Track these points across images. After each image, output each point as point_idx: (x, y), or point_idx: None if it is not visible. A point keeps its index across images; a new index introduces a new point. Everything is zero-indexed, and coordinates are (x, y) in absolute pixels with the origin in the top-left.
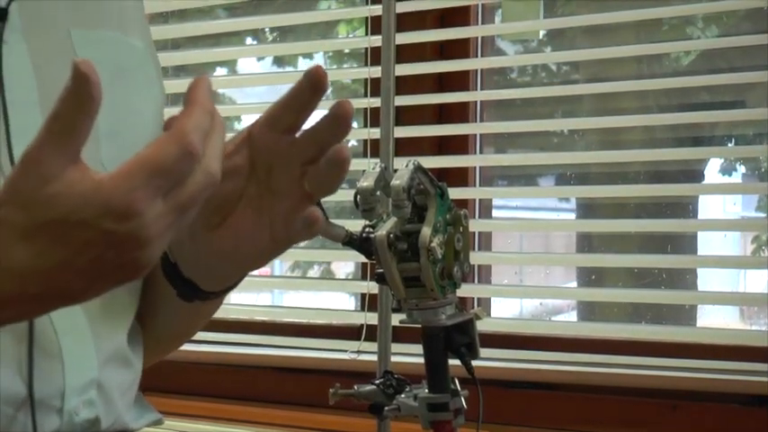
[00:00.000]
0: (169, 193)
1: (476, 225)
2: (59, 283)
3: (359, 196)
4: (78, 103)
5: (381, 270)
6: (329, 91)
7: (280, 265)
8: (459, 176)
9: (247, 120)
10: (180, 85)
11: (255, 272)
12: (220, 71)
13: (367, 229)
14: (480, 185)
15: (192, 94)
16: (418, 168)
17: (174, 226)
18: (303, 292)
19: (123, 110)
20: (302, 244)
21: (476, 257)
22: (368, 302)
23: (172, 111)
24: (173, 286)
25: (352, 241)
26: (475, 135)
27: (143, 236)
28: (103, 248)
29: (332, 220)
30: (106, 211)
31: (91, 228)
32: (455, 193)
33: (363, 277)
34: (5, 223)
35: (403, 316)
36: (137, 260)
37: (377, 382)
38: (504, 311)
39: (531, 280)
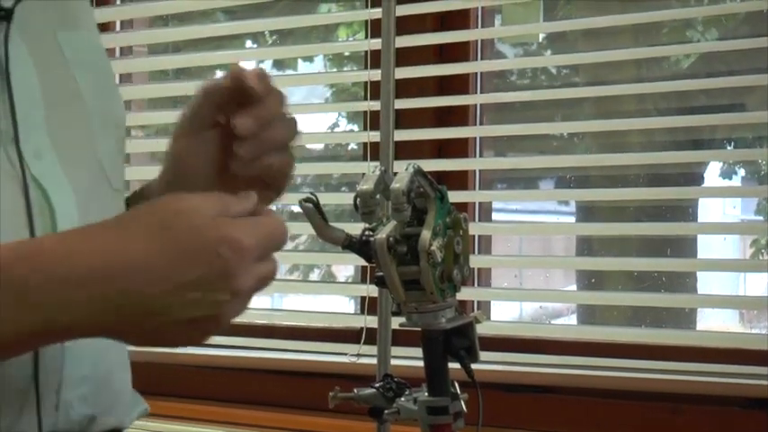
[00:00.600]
0: (262, 262)
1: (475, 228)
2: (159, 292)
3: (359, 199)
4: None
5: (381, 273)
6: (330, 93)
7: (279, 268)
8: (459, 179)
9: None
10: (180, 88)
11: None
12: (221, 74)
13: (367, 233)
14: (480, 188)
15: None
16: (418, 172)
17: (252, 295)
18: (303, 296)
19: (108, 105)
20: (302, 246)
21: (475, 260)
22: (368, 305)
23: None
24: None
25: (351, 244)
26: (475, 138)
27: (239, 279)
28: (207, 270)
29: (331, 223)
30: (227, 239)
31: (209, 246)
32: (455, 196)
33: (363, 280)
34: (137, 219)
35: (403, 319)
36: (221, 305)
37: (377, 385)
38: (504, 314)
39: (530, 283)
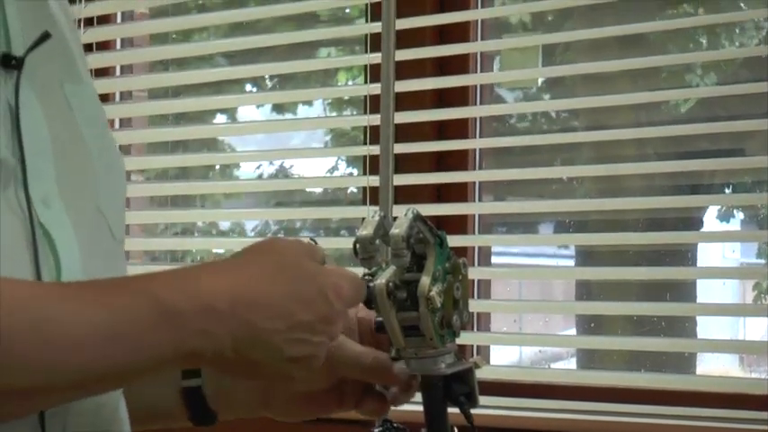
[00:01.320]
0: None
1: (475, 272)
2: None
3: (358, 245)
4: None
5: (380, 319)
6: (329, 137)
7: None
8: (459, 224)
9: (246, 167)
10: (180, 132)
11: None
12: (220, 118)
13: (366, 278)
14: (479, 233)
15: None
16: (417, 217)
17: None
18: None
19: (110, 158)
20: None
21: (475, 305)
22: None
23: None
24: (187, 408)
25: None
26: (474, 182)
27: (337, 325)
28: (316, 313)
29: None
30: (335, 286)
31: (322, 292)
32: (454, 240)
33: None
34: (256, 261)
35: (402, 364)
36: (318, 347)
37: (376, 430)
38: (504, 359)
39: (530, 327)
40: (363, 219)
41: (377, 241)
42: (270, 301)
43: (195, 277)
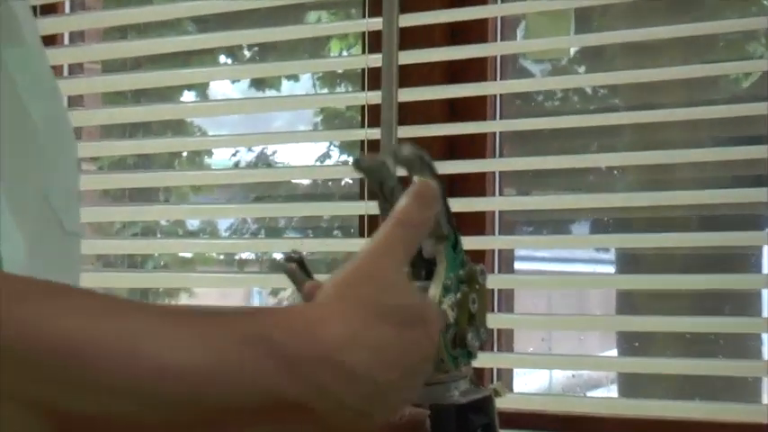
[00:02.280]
0: None
1: (495, 281)
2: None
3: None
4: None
5: None
6: (319, 119)
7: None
8: (475, 223)
9: (219, 154)
10: (140, 113)
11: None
12: (188, 96)
13: None
14: (500, 233)
15: None
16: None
17: None
18: None
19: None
20: (286, 303)
21: (495, 320)
22: None
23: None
24: None
25: None
26: (493, 173)
27: (430, 351)
28: (426, 355)
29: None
30: (434, 318)
31: (424, 327)
32: (470, 242)
33: None
34: (361, 303)
35: None
36: (416, 380)
37: None
38: (530, 385)
39: (561, 347)
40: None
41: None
42: (380, 350)
43: (300, 313)
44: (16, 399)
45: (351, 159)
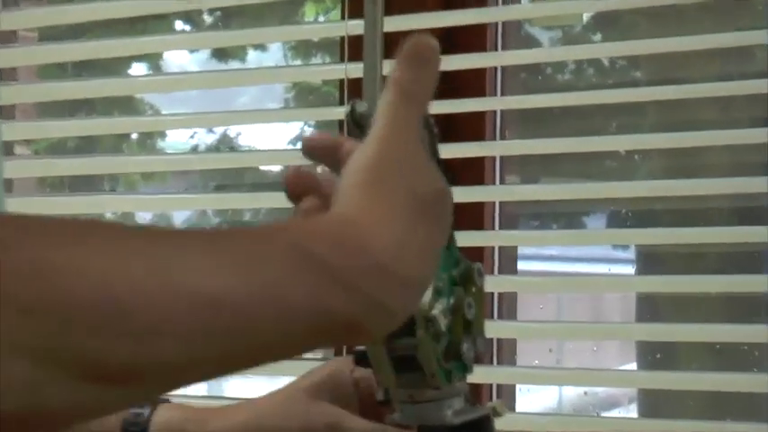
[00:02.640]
0: None
1: (495, 283)
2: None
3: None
4: None
5: (362, 347)
6: (291, 95)
7: None
8: (473, 215)
9: (174, 136)
10: (82, 88)
11: None
12: (139, 68)
13: None
14: (501, 228)
15: None
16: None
17: None
18: (252, 378)
19: None
20: None
21: (495, 328)
22: None
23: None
24: None
25: None
26: (493, 158)
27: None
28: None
29: None
30: (451, 198)
31: (447, 211)
32: (466, 238)
33: (337, 355)
34: (398, 200)
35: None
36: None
37: None
38: (535, 404)
39: (572, 360)
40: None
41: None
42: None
43: (341, 222)
44: (35, 353)
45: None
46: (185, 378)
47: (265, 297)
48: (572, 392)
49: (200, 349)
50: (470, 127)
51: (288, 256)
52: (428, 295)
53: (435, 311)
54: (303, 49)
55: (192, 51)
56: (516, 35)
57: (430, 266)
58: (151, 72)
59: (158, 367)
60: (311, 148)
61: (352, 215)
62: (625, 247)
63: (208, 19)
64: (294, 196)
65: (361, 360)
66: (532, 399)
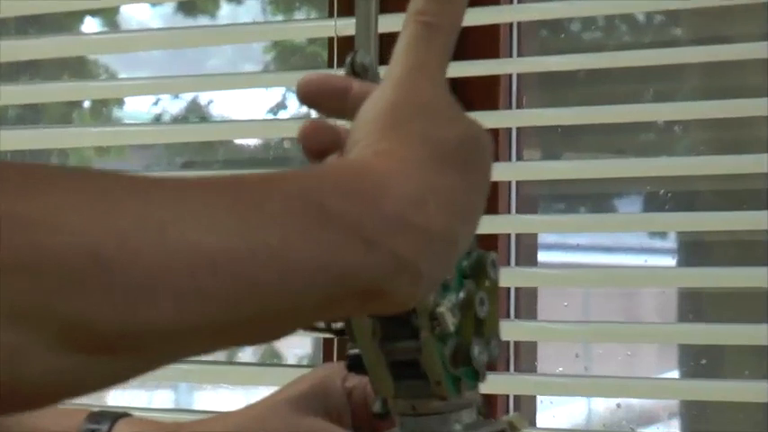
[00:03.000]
0: None
1: (512, 276)
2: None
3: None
4: None
5: (356, 351)
6: (271, 56)
7: None
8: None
9: (134, 103)
10: (26, 48)
11: None
12: (92, 24)
13: None
14: (518, 212)
15: None
16: None
17: None
18: (228, 389)
19: None
20: None
21: (511, 329)
22: None
23: None
24: None
25: None
26: (509, 130)
27: (488, 185)
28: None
29: None
30: (489, 142)
31: (483, 158)
32: None
33: (326, 360)
34: (420, 145)
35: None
36: (476, 226)
37: None
38: (559, 418)
39: (602, 366)
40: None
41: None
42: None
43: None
44: (11, 316)
45: (314, 114)
46: (181, 348)
47: (270, 257)
48: (602, 405)
49: (197, 315)
50: (482, 93)
51: (295, 209)
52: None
53: (442, 308)
54: (285, 2)
55: (153, 5)
56: None
57: (460, 221)
58: (106, 29)
59: (150, 334)
60: (311, 93)
61: (366, 162)
62: (664, 235)
63: None
64: (314, 154)
65: (355, 366)
66: (556, 412)
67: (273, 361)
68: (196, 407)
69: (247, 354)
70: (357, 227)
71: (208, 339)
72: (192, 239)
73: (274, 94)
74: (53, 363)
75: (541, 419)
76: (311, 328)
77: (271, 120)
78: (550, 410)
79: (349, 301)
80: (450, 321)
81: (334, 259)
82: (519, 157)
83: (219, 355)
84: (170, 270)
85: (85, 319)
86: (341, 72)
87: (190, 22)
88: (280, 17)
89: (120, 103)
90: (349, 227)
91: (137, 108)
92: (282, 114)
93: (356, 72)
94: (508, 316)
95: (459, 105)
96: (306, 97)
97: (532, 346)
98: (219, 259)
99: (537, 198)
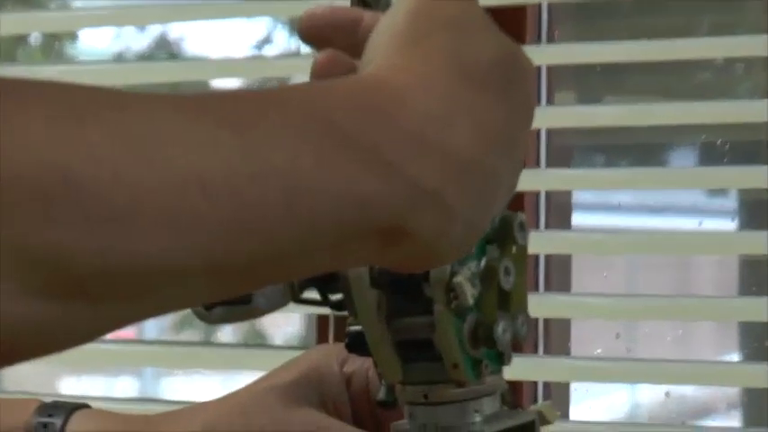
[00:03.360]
0: None
1: (542, 241)
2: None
3: None
4: None
5: (357, 327)
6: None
7: (155, 324)
8: None
9: (91, 38)
10: None
11: (111, 335)
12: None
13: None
14: (549, 165)
15: None
16: None
17: None
18: (204, 374)
19: None
20: None
21: (540, 303)
22: None
23: None
24: None
25: (302, 282)
26: (538, 68)
27: (532, 117)
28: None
29: None
30: (530, 66)
31: (524, 82)
32: None
33: (320, 341)
34: (447, 60)
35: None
36: (520, 162)
37: None
38: (597, 409)
39: (648, 348)
40: None
41: None
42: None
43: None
44: None
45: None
46: (171, 293)
47: (275, 179)
48: (648, 394)
49: (189, 249)
50: (505, 25)
51: (302, 127)
52: None
53: (459, 278)
54: None
55: None
56: None
57: (498, 152)
58: (62, 8)
59: (134, 274)
60: (316, 28)
61: (382, 76)
62: (722, 193)
63: None
64: None
65: (356, 345)
66: (593, 403)
67: (257, 342)
68: (165, 396)
69: (226, 333)
70: (373, 147)
71: (203, 281)
72: (179, 155)
73: (257, 26)
74: (24, 311)
75: (576, 410)
76: (302, 300)
77: (253, 57)
78: (586, 400)
79: (368, 241)
80: (470, 293)
81: (349, 186)
82: (550, 101)
83: (193, 335)
84: (154, 191)
85: (57, 253)
86: (345, 4)
87: None
88: None
89: (73, 37)
90: (364, 147)
91: (93, 44)
92: (268, 50)
93: (365, 2)
94: (537, 288)
95: (493, 23)
96: (310, 34)
97: (565, 325)
98: (215, 178)
99: (571, 149)
